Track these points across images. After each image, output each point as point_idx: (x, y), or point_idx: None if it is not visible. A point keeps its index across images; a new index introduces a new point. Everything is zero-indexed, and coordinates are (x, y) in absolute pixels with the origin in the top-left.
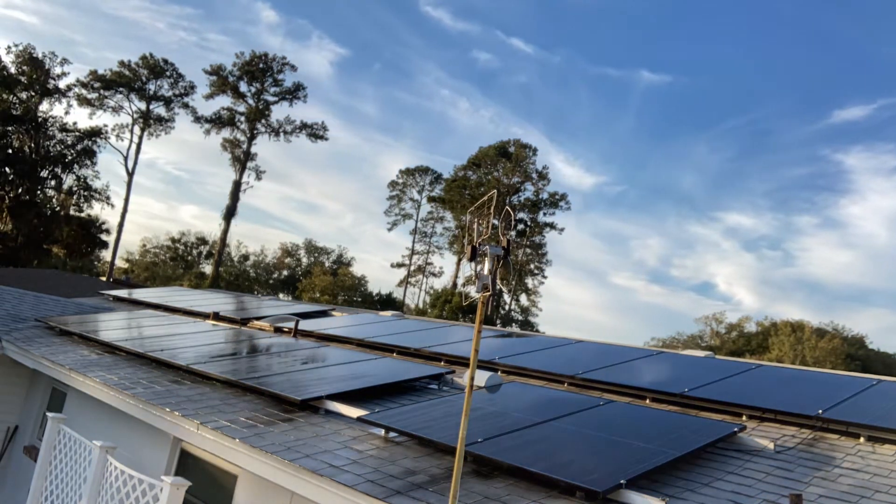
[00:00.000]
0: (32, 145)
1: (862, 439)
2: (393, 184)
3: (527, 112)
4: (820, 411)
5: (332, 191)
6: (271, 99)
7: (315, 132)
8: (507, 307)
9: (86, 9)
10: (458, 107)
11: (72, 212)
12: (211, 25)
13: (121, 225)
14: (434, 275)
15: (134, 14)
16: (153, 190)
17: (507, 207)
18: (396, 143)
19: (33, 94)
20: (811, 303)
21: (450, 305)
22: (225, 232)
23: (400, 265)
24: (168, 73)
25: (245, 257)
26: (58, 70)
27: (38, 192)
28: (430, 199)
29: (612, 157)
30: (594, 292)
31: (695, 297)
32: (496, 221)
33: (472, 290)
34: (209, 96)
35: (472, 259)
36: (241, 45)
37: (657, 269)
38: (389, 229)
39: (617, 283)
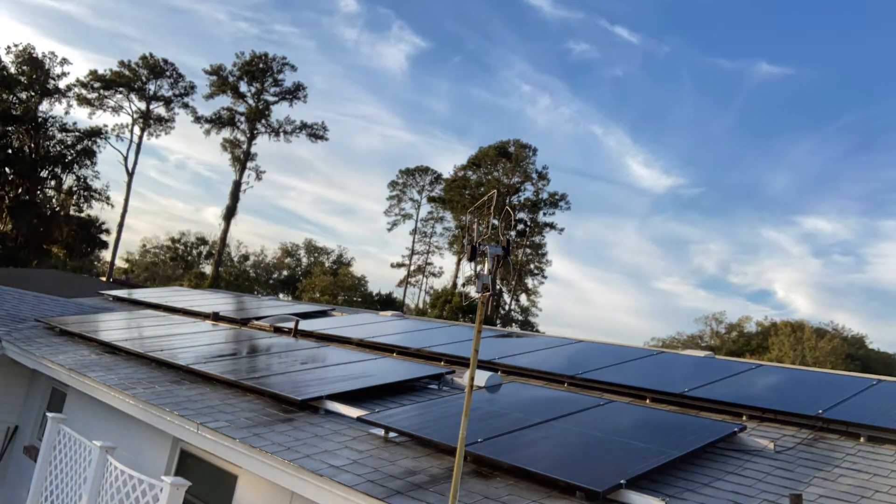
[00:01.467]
0: (32, 145)
1: (862, 439)
2: (393, 184)
3: (614, 108)
4: (820, 411)
5: (374, 192)
6: (271, 99)
7: (315, 132)
8: (507, 307)
9: (143, 1)
10: (536, 104)
11: (72, 212)
12: (280, 15)
13: (121, 225)
14: (434, 275)
15: (191, 4)
16: (180, 191)
17: (507, 207)
18: (459, 144)
19: (33, 94)
20: (867, 309)
21: (450, 305)
22: (225, 232)
23: (400, 265)
24: (168, 73)
25: (245, 257)
26: (58, 70)
27: (38, 192)
28: (430, 199)
29: (698, 157)
30: (632, 297)
31: (741, 303)
32: (496, 221)
33: (472, 290)
34: (209, 96)
35: (472, 259)
36: (310, 36)
37: (714, 275)
38: (389, 229)
39: (660, 287)
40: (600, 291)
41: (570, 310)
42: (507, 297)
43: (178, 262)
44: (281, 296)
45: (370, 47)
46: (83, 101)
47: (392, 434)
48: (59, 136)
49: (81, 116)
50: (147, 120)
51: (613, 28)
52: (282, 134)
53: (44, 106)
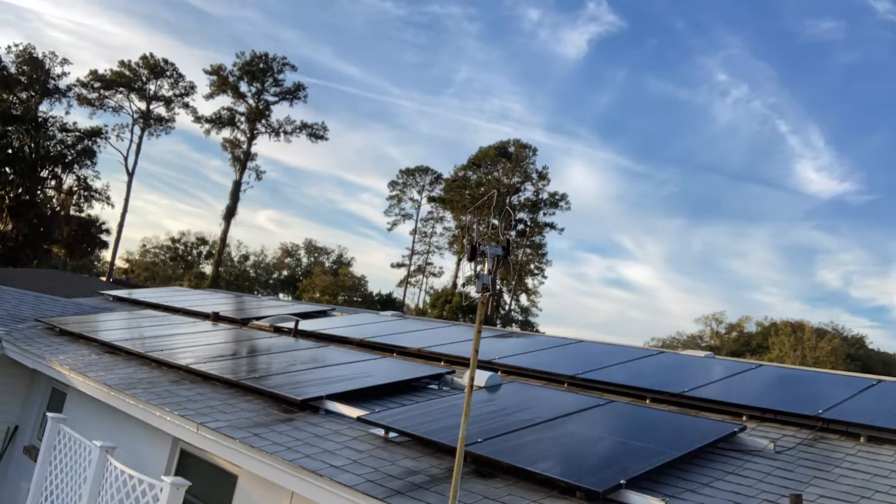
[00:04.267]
0: (32, 145)
1: (862, 439)
2: (393, 184)
3: (824, 101)
4: (820, 411)
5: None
6: (271, 99)
7: (315, 132)
8: (507, 307)
9: None
10: (727, 97)
11: (72, 212)
12: None
13: (121, 225)
14: (434, 275)
15: None
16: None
17: (507, 207)
18: (602, 146)
19: (33, 94)
20: None
21: (450, 305)
22: (225, 232)
23: (400, 265)
24: (168, 73)
25: (245, 257)
26: (58, 70)
27: (38, 192)
28: (430, 199)
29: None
30: (714, 306)
31: (837, 313)
32: (496, 221)
33: (472, 290)
34: (209, 96)
35: (472, 259)
36: (476, 18)
37: (834, 288)
38: (389, 229)
39: (754, 298)
40: (678, 301)
41: (635, 316)
42: (507, 297)
43: (178, 262)
44: (281, 296)
45: (550, 30)
46: (83, 101)
47: (392, 434)
48: (59, 135)
49: (81, 116)
50: (147, 120)
51: (874, 2)
52: (282, 134)
53: (44, 106)
